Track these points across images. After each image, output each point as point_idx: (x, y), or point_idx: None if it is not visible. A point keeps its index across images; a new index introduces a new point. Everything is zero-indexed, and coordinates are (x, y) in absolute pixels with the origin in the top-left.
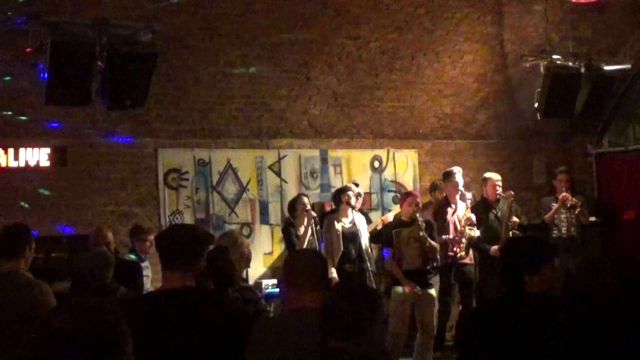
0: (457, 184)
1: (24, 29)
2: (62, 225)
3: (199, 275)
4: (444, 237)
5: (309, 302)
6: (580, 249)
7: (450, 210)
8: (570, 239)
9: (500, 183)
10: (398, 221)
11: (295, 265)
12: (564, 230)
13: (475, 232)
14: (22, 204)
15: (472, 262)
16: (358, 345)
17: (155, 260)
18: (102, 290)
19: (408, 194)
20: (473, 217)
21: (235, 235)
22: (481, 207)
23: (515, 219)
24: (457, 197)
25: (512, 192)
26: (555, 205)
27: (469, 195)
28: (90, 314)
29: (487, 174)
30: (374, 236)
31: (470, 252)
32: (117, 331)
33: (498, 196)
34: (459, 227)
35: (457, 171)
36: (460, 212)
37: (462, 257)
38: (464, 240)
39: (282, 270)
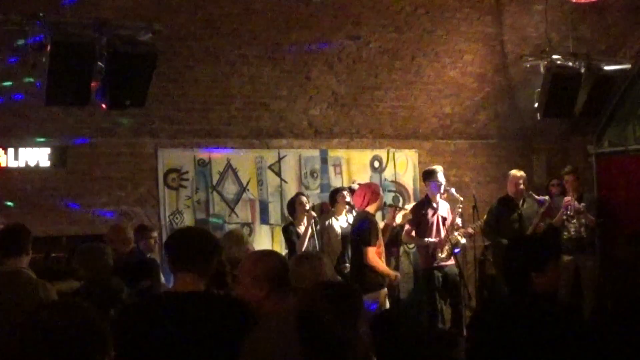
0: (440, 184)
1: (24, 29)
2: (62, 225)
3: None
4: (428, 239)
5: (273, 305)
6: (589, 250)
7: (431, 211)
8: (579, 239)
9: (522, 180)
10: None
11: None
12: (572, 231)
13: (461, 239)
14: (22, 204)
15: (454, 262)
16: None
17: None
18: (102, 289)
19: (375, 190)
20: (459, 222)
21: (240, 233)
22: (504, 204)
23: (541, 224)
24: (438, 196)
25: (548, 198)
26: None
27: (461, 199)
28: (72, 313)
29: (511, 171)
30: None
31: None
32: (97, 334)
33: (524, 195)
34: (441, 228)
35: (439, 170)
36: (442, 212)
37: (442, 260)
38: (447, 244)
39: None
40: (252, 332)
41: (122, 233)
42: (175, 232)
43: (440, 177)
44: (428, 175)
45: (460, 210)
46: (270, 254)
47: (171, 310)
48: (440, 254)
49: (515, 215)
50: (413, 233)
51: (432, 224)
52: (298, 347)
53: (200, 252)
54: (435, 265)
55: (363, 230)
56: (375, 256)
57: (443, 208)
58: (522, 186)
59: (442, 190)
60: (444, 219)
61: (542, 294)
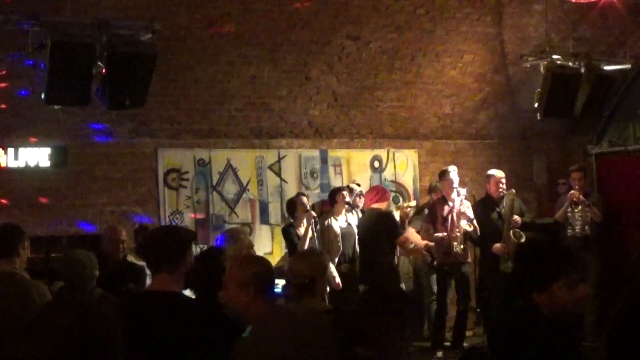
0: (452, 182)
1: (24, 29)
2: (62, 225)
3: (188, 274)
4: (439, 234)
5: (259, 309)
6: (594, 247)
7: (447, 208)
8: (584, 237)
9: (504, 180)
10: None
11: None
12: (577, 228)
13: (469, 227)
14: (22, 204)
15: (469, 260)
16: (383, 353)
17: None
18: (78, 291)
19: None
20: (468, 212)
21: (237, 231)
22: (484, 204)
23: (517, 217)
24: (454, 194)
25: (514, 191)
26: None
27: (463, 191)
28: (85, 313)
29: (491, 171)
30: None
31: (468, 251)
32: (112, 332)
33: (502, 193)
34: (456, 223)
35: (452, 170)
36: (457, 206)
37: (458, 252)
38: (459, 234)
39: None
40: (244, 335)
41: (115, 234)
42: (145, 238)
43: (452, 176)
44: (441, 175)
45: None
46: (255, 259)
47: (133, 306)
48: (455, 248)
49: (495, 215)
50: (431, 231)
51: (447, 221)
52: (301, 348)
53: (163, 253)
54: (448, 260)
55: (387, 225)
56: (415, 235)
57: (458, 205)
58: (504, 186)
59: (454, 190)
60: (458, 211)
61: (547, 314)
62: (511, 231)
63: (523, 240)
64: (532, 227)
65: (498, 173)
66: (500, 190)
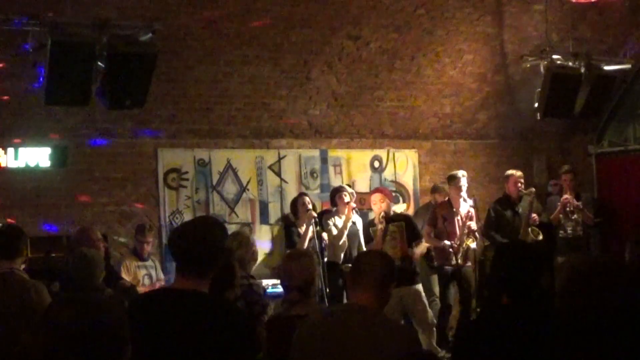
0: (460, 188)
1: (24, 29)
2: (62, 225)
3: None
4: (445, 242)
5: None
6: (585, 249)
7: (451, 214)
8: (576, 238)
9: (522, 180)
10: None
11: (357, 263)
12: (569, 230)
13: (472, 244)
14: (22, 204)
15: (469, 263)
16: None
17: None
18: (88, 290)
19: (376, 190)
20: (473, 226)
21: (247, 234)
22: (502, 203)
23: (535, 215)
24: (461, 200)
25: (534, 189)
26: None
27: (470, 202)
28: (93, 309)
29: (509, 171)
30: None
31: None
32: (119, 330)
33: (520, 193)
34: (459, 234)
35: (462, 175)
36: (463, 213)
37: (459, 265)
38: (461, 248)
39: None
40: (310, 324)
41: (86, 237)
42: (174, 232)
43: (462, 182)
44: (450, 180)
45: (472, 212)
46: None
47: (156, 305)
48: (454, 260)
49: (514, 214)
50: (432, 234)
51: (452, 226)
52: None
53: (198, 259)
54: (449, 267)
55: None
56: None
57: (464, 211)
58: (521, 185)
59: (462, 195)
60: (464, 222)
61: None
62: (529, 228)
63: (540, 237)
64: (543, 226)
65: (516, 173)
66: (520, 189)
